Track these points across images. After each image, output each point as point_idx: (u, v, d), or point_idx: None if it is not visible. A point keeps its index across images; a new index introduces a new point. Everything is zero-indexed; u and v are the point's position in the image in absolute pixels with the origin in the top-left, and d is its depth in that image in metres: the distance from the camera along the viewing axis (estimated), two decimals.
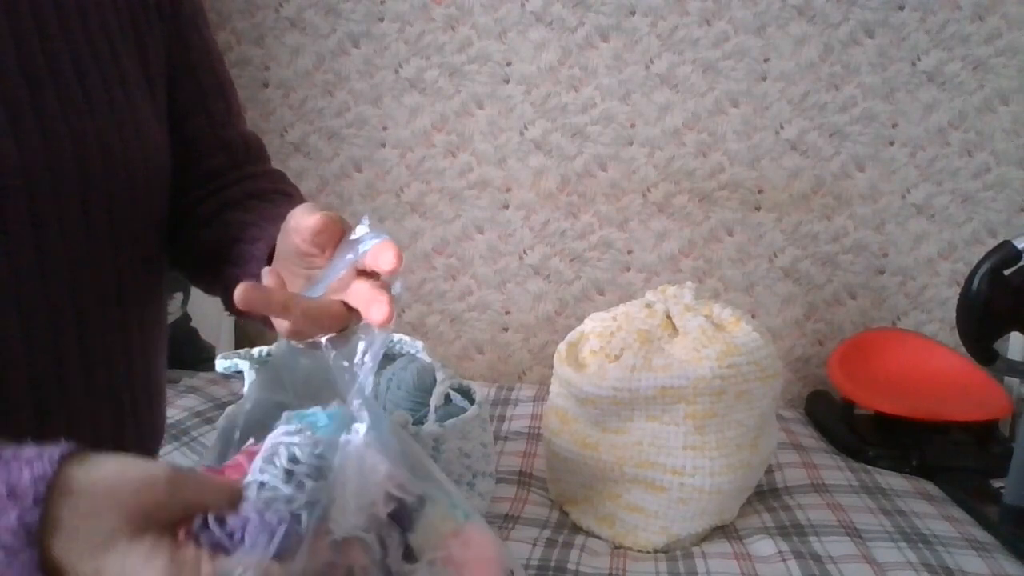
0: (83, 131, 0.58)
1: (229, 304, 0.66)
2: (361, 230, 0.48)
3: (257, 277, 0.51)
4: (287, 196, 0.73)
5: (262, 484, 0.40)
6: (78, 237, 0.59)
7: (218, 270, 0.67)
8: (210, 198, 0.72)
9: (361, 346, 0.47)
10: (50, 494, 0.35)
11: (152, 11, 0.66)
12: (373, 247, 0.47)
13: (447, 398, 1.10)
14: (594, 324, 1.18)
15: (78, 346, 0.60)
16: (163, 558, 0.35)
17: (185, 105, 0.70)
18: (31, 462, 0.36)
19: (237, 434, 0.53)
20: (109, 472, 0.37)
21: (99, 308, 0.62)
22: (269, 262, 0.59)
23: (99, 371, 0.63)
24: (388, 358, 1.22)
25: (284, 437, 0.41)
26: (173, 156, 0.69)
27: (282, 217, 0.55)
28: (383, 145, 1.76)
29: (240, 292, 0.46)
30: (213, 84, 0.73)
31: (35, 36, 0.57)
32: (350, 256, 0.48)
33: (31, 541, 0.34)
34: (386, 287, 0.48)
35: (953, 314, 1.27)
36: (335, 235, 0.50)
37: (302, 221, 0.51)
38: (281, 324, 0.51)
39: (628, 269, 1.77)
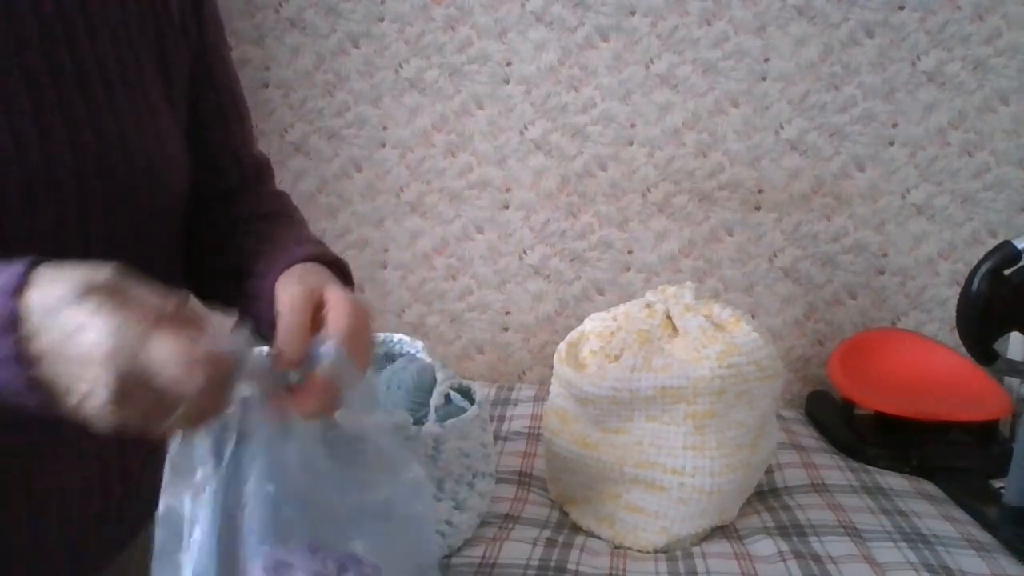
0: (106, 133, 0.60)
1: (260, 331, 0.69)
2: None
3: (270, 315, 0.56)
4: (289, 218, 0.78)
5: None
6: (100, 240, 0.60)
7: (235, 299, 0.69)
8: (222, 221, 0.74)
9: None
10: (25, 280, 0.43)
11: (177, 32, 0.68)
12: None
13: (447, 398, 1.10)
14: (594, 324, 1.18)
15: None
16: (108, 316, 0.42)
17: (204, 124, 0.73)
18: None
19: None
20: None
21: None
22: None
23: None
24: (388, 358, 1.22)
25: None
26: (191, 173, 0.71)
27: (285, 240, 0.64)
28: (383, 145, 1.76)
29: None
30: (231, 106, 0.76)
31: (63, 45, 0.58)
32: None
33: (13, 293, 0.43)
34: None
35: (953, 314, 1.27)
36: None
37: (282, 295, 0.56)
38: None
39: (628, 269, 1.77)
